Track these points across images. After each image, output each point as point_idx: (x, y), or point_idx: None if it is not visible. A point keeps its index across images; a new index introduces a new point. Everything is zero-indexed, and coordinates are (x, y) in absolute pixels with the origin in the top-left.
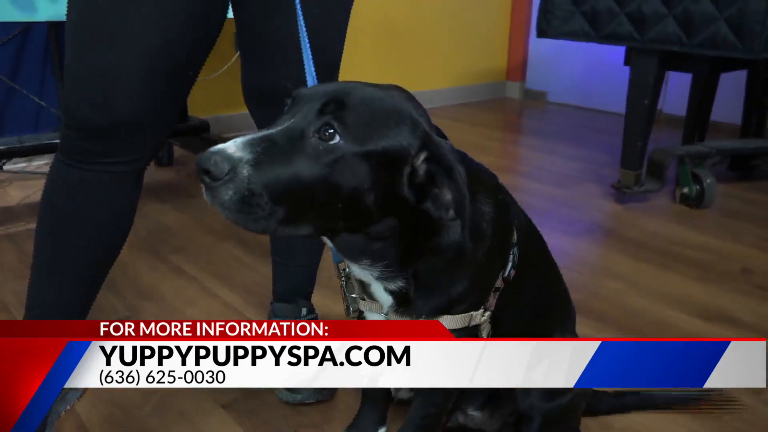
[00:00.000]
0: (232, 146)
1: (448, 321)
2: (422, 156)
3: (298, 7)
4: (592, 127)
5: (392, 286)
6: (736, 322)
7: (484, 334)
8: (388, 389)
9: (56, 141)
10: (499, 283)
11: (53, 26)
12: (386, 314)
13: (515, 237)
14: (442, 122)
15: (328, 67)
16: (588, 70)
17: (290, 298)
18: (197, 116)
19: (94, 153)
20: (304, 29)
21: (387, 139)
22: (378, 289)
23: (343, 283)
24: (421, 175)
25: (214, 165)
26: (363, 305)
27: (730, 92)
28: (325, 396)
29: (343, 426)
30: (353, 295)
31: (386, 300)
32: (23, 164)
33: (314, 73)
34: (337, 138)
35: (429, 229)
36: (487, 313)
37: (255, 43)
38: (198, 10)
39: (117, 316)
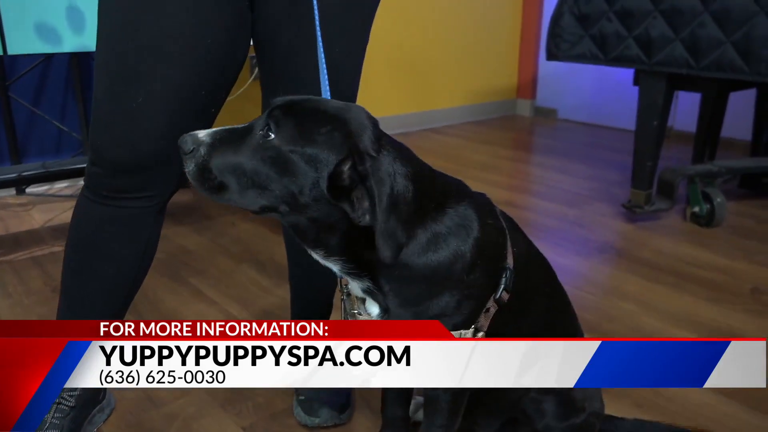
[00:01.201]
0: (202, 132)
1: None
2: (347, 164)
3: (320, 45)
4: (602, 144)
5: (363, 286)
6: None
7: None
8: (407, 412)
9: (79, 166)
10: (491, 304)
11: (75, 54)
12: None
13: (509, 261)
14: (453, 141)
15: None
16: (597, 88)
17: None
18: None
19: (120, 189)
20: (324, 65)
21: (313, 144)
22: (368, 301)
23: (344, 298)
24: (345, 179)
25: (184, 142)
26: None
27: (742, 108)
28: (343, 420)
29: None
30: (354, 311)
31: (374, 311)
32: (45, 187)
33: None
34: (272, 136)
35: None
36: (480, 334)
37: (278, 81)
38: (222, 52)
39: None
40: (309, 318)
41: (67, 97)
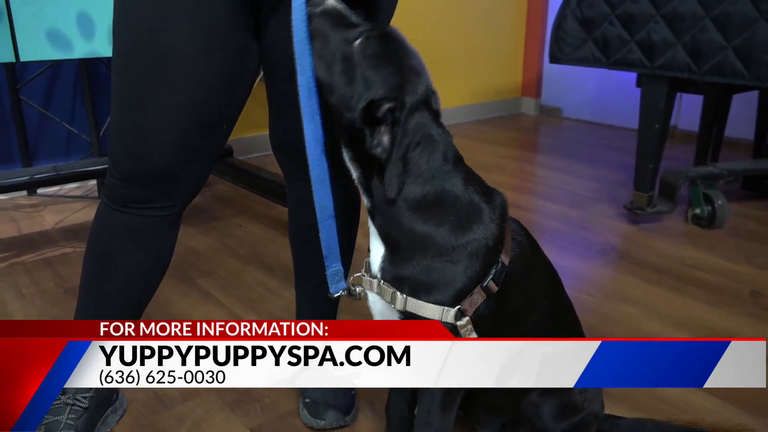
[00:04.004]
0: (332, 1)
1: (422, 306)
2: (390, 103)
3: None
4: (606, 144)
5: (366, 203)
6: None
7: None
8: (412, 415)
9: (88, 168)
10: (477, 291)
11: (84, 59)
12: (377, 277)
13: (504, 257)
14: (458, 141)
15: None
16: (602, 87)
17: None
18: None
19: (136, 199)
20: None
21: (375, 71)
22: (374, 237)
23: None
24: (380, 113)
25: None
26: (365, 282)
27: (745, 108)
28: (348, 421)
29: None
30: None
31: (378, 253)
32: (56, 188)
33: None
34: (357, 42)
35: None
36: (465, 319)
37: (283, 101)
38: (231, 72)
39: None
40: None
41: (76, 101)
